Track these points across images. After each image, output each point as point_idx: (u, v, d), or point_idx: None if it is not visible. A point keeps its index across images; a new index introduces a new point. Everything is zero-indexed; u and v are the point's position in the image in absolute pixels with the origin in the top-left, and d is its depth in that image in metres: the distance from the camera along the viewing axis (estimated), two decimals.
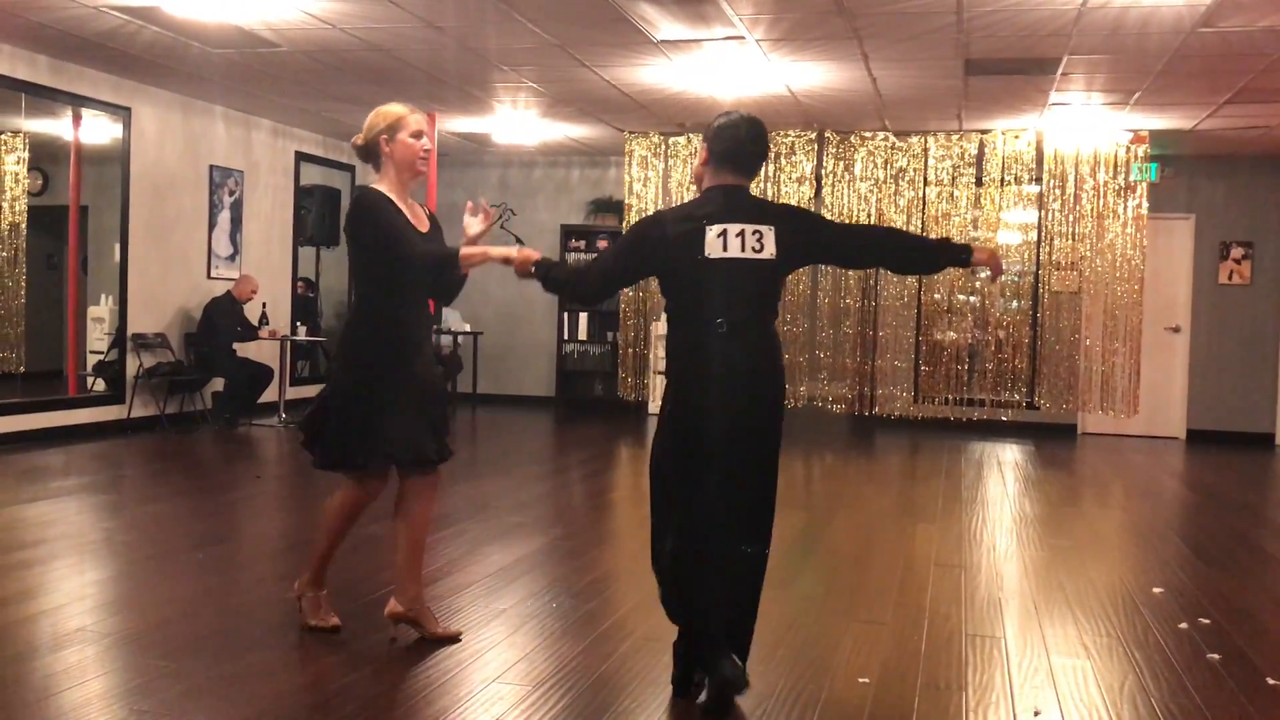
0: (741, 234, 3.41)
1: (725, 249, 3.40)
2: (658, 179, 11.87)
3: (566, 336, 13.24)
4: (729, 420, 3.43)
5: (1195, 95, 8.95)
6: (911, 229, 11.42)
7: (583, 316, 13.19)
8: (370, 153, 4.05)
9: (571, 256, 13.05)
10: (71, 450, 8.67)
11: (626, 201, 12.00)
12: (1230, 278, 11.77)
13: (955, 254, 3.73)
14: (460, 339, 12.88)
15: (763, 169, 3.63)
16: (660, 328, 12.01)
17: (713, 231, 3.41)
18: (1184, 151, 11.38)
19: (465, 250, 3.88)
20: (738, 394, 3.42)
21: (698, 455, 3.46)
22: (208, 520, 6.49)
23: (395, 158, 4.00)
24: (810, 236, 3.57)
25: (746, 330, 3.43)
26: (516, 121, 10.84)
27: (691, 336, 3.47)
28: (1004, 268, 3.89)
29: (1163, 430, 11.85)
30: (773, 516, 3.59)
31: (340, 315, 13.10)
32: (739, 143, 3.52)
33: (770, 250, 3.41)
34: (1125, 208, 11.03)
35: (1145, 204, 11.00)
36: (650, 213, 3.58)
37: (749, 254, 3.40)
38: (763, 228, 3.42)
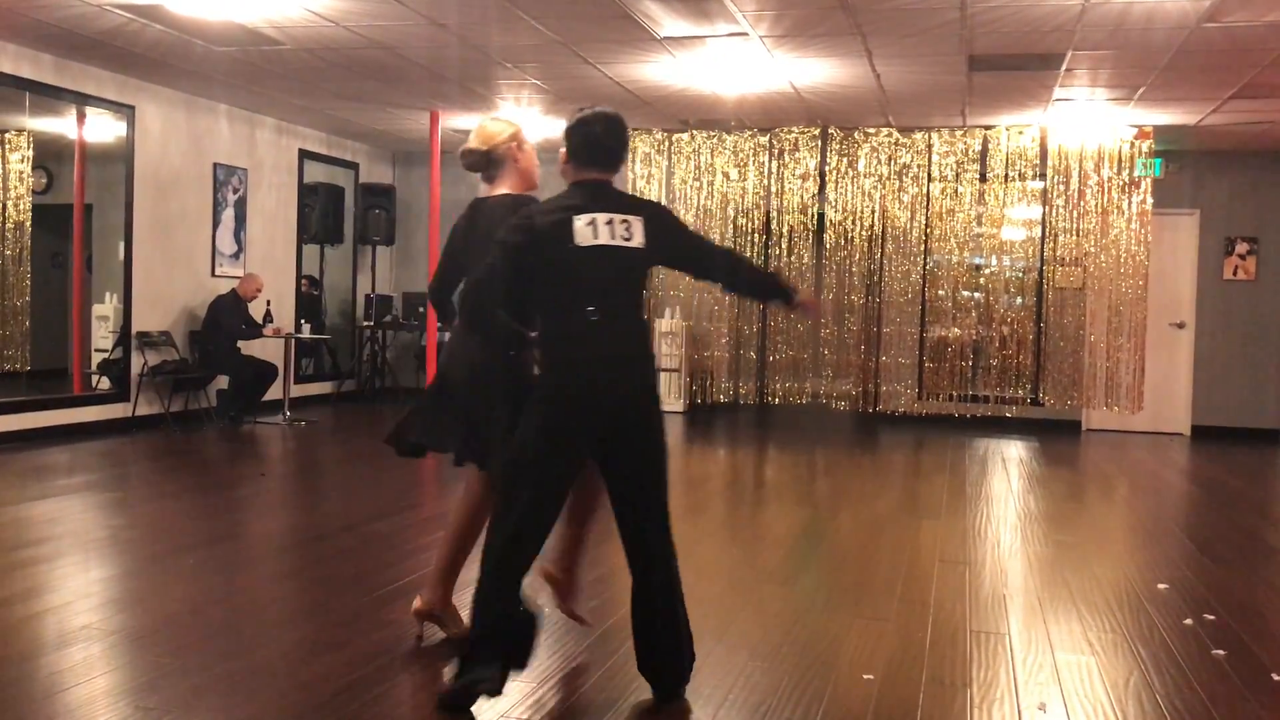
0: (610, 222, 3.43)
1: (596, 236, 3.41)
2: (661, 176, 11.87)
3: None
4: (604, 411, 3.43)
5: (1200, 90, 8.94)
6: (916, 225, 11.46)
7: None
8: (490, 161, 4.08)
9: None
10: (76, 448, 8.68)
11: None
12: (1235, 273, 11.75)
13: (783, 293, 3.84)
14: None
15: (625, 164, 3.75)
16: (661, 325, 12.01)
17: (581, 220, 3.41)
18: (1188, 147, 11.36)
19: None
20: (612, 382, 3.43)
21: (565, 446, 3.45)
22: (212, 518, 6.50)
23: (522, 166, 4.11)
24: (669, 237, 3.57)
25: (618, 318, 3.45)
26: (520, 118, 10.84)
27: (564, 326, 3.46)
28: (821, 314, 3.98)
29: (1167, 426, 11.83)
30: (668, 521, 3.53)
31: (344, 313, 13.12)
32: (595, 139, 3.54)
33: (639, 239, 3.45)
34: (1129, 203, 11.01)
35: (1149, 200, 10.98)
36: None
37: (619, 241, 3.43)
38: (630, 217, 3.45)
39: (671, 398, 11.98)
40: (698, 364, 12.29)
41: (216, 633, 4.12)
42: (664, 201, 11.67)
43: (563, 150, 3.58)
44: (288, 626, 4.23)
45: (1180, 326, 11.86)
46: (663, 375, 11.42)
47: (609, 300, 3.43)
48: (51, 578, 4.94)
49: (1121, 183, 10.98)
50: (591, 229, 3.41)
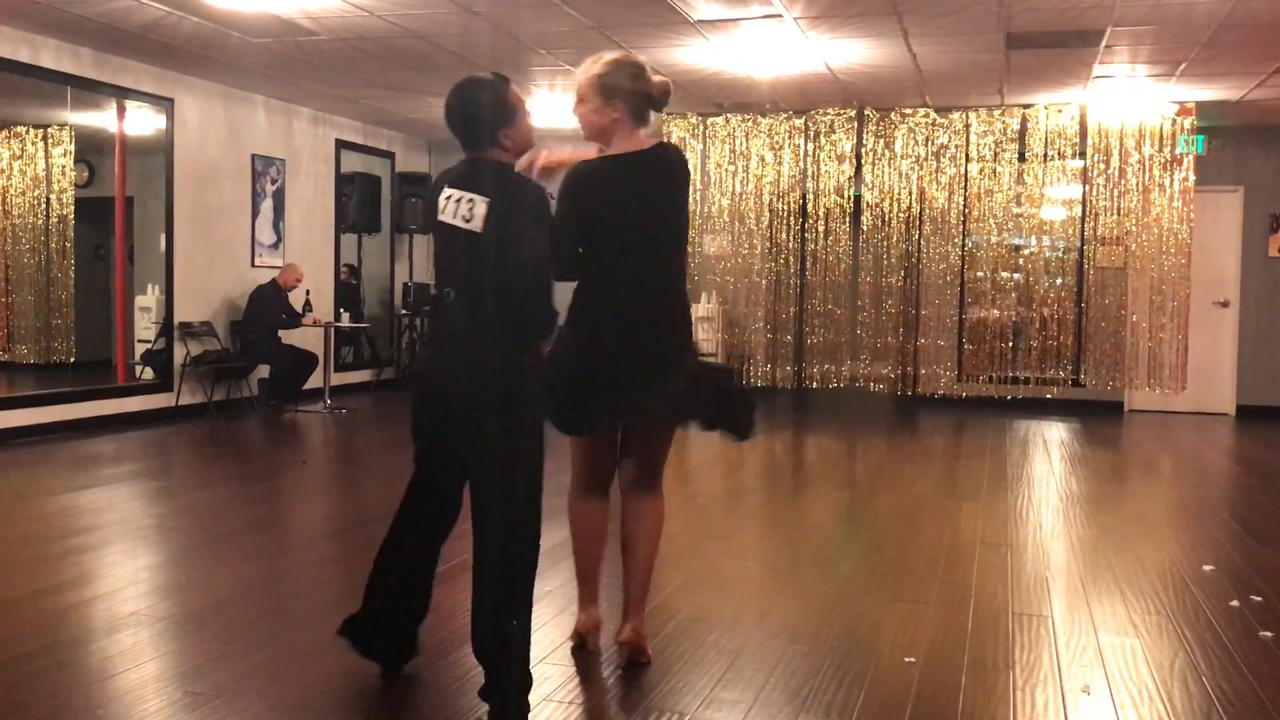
0: (459, 200, 3.28)
1: (444, 212, 3.31)
2: (696, 160, 11.83)
3: None
4: (445, 394, 3.32)
5: (1243, 65, 8.79)
6: (954, 206, 11.38)
7: None
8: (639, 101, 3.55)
9: None
10: (121, 438, 8.80)
11: None
12: None
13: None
14: None
15: (465, 133, 3.41)
16: (698, 309, 11.99)
17: (443, 195, 3.33)
18: (1231, 123, 11.18)
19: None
20: (453, 364, 3.31)
21: (419, 431, 3.44)
22: (255, 505, 6.57)
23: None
24: (504, 226, 3.25)
25: (467, 302, 3.29)
26: (554, 105, 10.83)
27: (435, 301, 3.45)
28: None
29: (1212, 406, 11.68)
30: (506, 504, 3.27)
31: (383, 302, 13.20)
32: (450, 112, 3.43)
33: (478, 223, 3.23)
34: (1171, 181, 10.87)
35: (1192, 177, 10.83)
36: None
37: (460, 222, 3.27)
38: (476, 197, 3.26)
39: None
40: (734, 348, 12.26)
41: (262, 618, 4.17)
42: (699, 186, 11.64)
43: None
44: (332, 612, 4.25)
45: (1224, 305, 11.69)
46: None
47: (456, 283, 3.31)
48: (100, 565, 5.02)
49: (1163, 160, 10.84)
50: (446, 203, 3.31)
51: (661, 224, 3.61)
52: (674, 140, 11.75)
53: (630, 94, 3.49)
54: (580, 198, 3.51)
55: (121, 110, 9.56)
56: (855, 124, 11.42)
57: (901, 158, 11.43)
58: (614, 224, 3.52)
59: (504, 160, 3.37)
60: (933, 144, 11.36)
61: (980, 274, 11.57)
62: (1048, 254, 11.49)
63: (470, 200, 3.25)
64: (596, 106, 3.51)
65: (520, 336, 3.26)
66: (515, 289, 3.20)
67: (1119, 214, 11.06)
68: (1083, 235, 11.30)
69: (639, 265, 3.58)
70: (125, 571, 4.94)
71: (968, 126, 11.25)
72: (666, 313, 3.62)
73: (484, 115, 3.36)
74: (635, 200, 3.58)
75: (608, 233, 3.52)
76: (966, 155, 11.32)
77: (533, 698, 3.38)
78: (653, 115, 3.64)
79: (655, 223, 3.60)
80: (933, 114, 11.25)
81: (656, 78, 3.54)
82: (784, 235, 11.82)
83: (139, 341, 10.03)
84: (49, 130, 9.49)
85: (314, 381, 10.95)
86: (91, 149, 10.01)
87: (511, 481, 3.23)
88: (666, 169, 3.63)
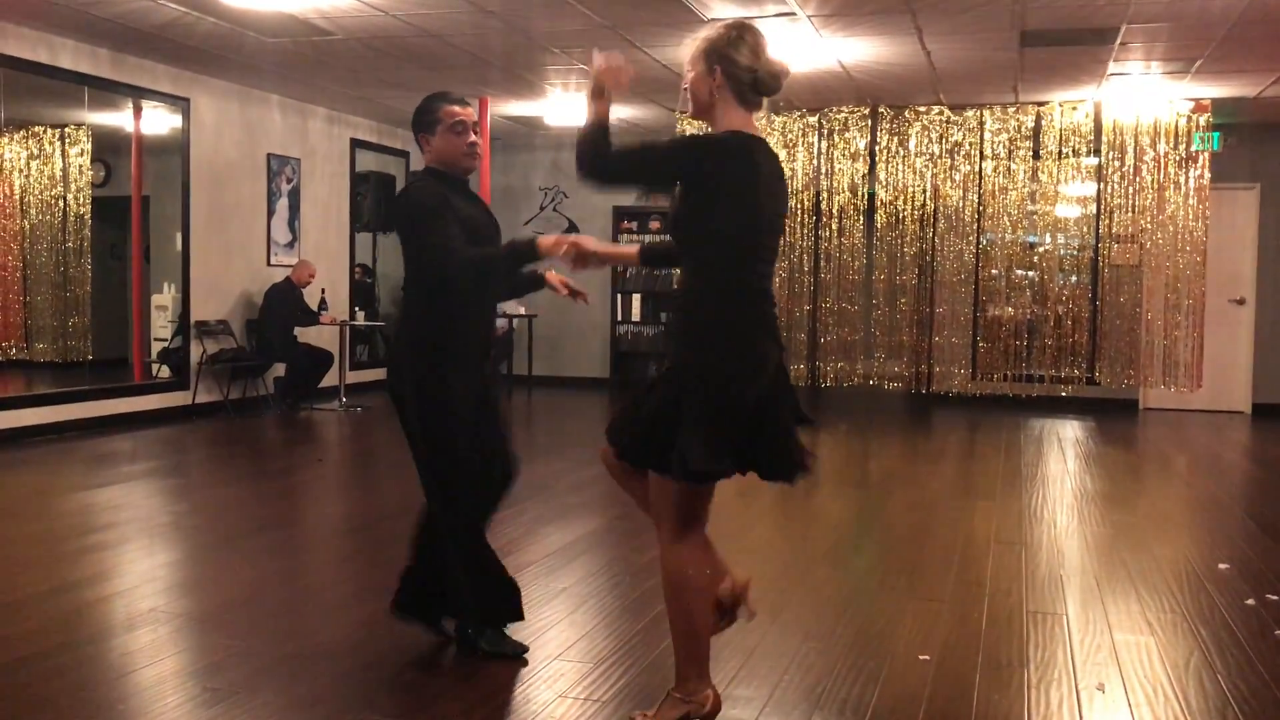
0: None
1: None
2: None
3: (620, 318, 13.27)
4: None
5: (1259, 62, 8.76)
6: (968, 203, 11.34)
7: (636, 298, 13.23)
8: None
9: (623, 238, 13.08)
10: (138, 436, 8.85)
11: None
12: None
13: None
14: (515, 322, 12.96)
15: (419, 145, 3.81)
16: None
17: None
18: (1248, 120, 11.13)
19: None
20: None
21: None
22: (271, 503, 6.61)
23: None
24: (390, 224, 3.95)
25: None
26: (568, 104, 10.85)
27: None
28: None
29: (1227, 404, 11.64)
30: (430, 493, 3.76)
31: (397, 300, 13.22)
32: None
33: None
34: (1187, 178, 10.83)
35: (1207, 174, 10.79)
36: None
37: None
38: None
39: None
40: None
41: (278, 615, 4.19)
42: None
43: None
44: (348, 609, 4.29)
45: (1240, 303, 11.65)
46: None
47: None
48: (118, 562, 5.06)
49: (1178, 157, 10.80)
50: None
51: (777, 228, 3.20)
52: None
53: (736, 65, 2.98)
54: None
55: (138, 110, 9.61)
56: (869, 122, 11.40)
57: (915, 155, 11.42)
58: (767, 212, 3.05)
59: (427, 163, 3.74)
60: (947, 141, 11.34)
61: (995, 272, 11.55)
62: (1062, 252, 11.46)
63: None
64: (699, 74, 3.03)
65: (426, 334, 3.63)
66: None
67: (1134, 211, 11.02)
68: (1098, 233, 11.27)
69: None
70: (143, 568, 4.97)
71: (982, 124, 11.23)
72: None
73: (413, 125, 3.76)
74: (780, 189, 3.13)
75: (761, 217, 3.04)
76: (981, 153, 11.30)
77: (549, 694, 3.41)
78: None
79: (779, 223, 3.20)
80: (947, 111, 11.23)
81: (774, 58, 3.04)
82: (798, 233, 11.82)
83: (155, 340, 10.08)
84: (66, 130, 9.54)
85: (329, 380, 11.00)
86: (108, 148, 10.06)
87: (426, 470, 3.68)
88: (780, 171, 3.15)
